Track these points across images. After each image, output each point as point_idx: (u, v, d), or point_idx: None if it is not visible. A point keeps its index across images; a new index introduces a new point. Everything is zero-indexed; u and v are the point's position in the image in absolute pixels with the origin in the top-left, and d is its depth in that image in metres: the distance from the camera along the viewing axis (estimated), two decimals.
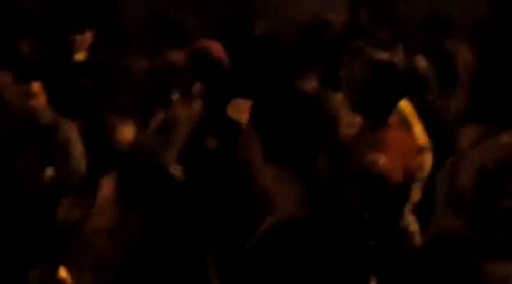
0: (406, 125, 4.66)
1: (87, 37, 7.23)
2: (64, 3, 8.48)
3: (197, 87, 4.19)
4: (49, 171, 5.00)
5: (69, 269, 2.55)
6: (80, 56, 7.14)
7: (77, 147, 5.08)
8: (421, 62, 5.62)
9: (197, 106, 4.24)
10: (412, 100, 4.94)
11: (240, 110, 4.06)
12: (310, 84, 5.43)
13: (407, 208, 4.23)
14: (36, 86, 5.10)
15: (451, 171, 3.73)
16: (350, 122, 4.53)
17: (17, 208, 4.84)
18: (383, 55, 4.46)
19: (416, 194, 4.24)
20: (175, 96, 4.44)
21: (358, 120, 4.38)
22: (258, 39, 7.41)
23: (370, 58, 4.39)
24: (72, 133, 5.14)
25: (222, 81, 4.16)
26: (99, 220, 2.24)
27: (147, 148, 4.82)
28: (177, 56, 4.63)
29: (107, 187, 2.25)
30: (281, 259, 2.32)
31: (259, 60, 6.35)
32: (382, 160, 4.06)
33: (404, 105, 4.85)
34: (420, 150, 4.40)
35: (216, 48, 4.22)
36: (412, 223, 4.25)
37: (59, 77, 6.64)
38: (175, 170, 2.66)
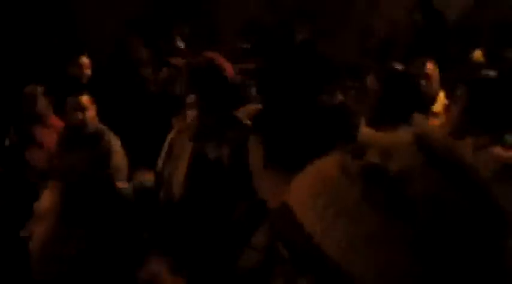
0: None
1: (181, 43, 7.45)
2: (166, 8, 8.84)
3: (190, 98, 4.24)
4: None
5: None
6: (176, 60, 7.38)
7: (118, 156, 5.36)
8: None
9: (193, 117, 4.30)
10: None
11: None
12: (336, 98, 5.50)
13: None
14: (85, 100, 5.42)
15: None
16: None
17: None
18: (396, 66, 4.42)
19: None
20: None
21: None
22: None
23: (383, 69, 4.39)
24: (113, 142, 5.43)
25: (218, 93, 4.16)
26: (38, 229, 2.22)
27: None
28: (177, 65, 4.66)
29: (48, 196, 2.23)
30: None
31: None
32: None
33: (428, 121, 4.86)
34: None
35: (218, 61, 4.25)
36: None
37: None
38: (124, 186, 2.61)
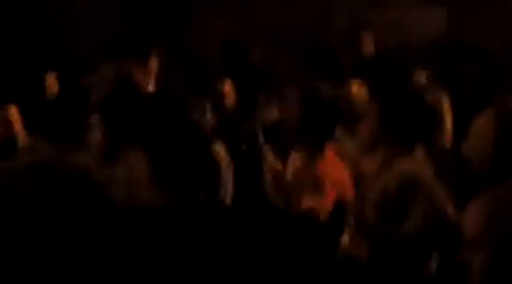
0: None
1: (153, 66, 7.43)
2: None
3: (94, 118, 4.10)
4: None
5: None
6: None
7: None
8: None
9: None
10: None
11: None
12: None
13: None
14: (13, 111, 5.39)
15: (360, 195, 3.83)
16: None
17: None
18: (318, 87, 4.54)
19: None
20: None
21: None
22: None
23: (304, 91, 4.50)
24: None
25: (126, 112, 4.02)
26: None
27: None
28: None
29: None
30: None
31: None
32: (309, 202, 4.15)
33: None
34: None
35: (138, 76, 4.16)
36: None
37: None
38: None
